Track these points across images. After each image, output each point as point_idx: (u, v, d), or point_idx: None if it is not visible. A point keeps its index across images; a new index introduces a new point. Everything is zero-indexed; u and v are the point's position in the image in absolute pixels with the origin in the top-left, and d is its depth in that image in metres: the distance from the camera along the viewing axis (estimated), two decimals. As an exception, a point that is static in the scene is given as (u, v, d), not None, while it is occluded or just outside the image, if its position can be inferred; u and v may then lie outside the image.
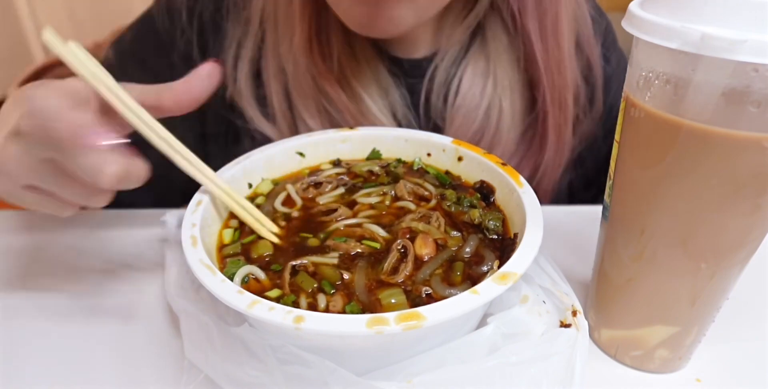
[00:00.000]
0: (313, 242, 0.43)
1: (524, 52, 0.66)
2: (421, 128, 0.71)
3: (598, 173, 0.78)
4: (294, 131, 0.69)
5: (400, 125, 0.69)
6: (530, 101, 0.69)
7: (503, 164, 0.48)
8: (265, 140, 0.70)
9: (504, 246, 0.43)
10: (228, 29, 0.69)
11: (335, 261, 0.42)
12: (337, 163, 0.55)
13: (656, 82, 0.34)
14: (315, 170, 0.54)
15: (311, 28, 0.64)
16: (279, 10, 0.65)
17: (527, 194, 0.44)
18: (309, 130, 0.68)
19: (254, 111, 0.69)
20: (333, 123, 0.69)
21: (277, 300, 0.38)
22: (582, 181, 0.79)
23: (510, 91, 0.68)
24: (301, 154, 0.54)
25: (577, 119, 0.71)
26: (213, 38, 0.70)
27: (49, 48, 0.39)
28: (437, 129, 0.70)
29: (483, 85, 0.68)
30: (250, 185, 0.51)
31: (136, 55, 0.71)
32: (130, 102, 0.40)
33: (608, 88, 0.73)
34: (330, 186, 0.50)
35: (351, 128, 0.56)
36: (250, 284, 0.40)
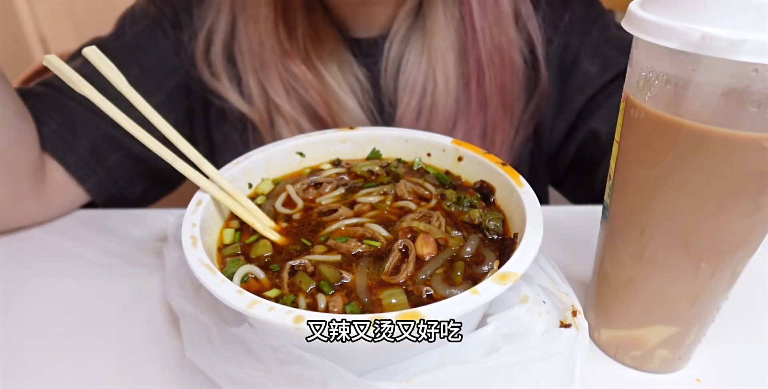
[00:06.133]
0: (318, 249, 0.43)
1: (460, 12, 0.68)
2: (379, 106, 0.74)
3: (557, 151, 0.79)
4: (268, 110, 0.71)
5: (359, 103, 0.72)
6: (464, 65, 0.70)
7: (503, 164, 0.48)
8: (243, 119, 0.73)
9: (504, 246, 0.43)
10: (199, 15, 0.71)
11: (338, 259, 0.42)
12: (337, 163, 0.55)
13: (656, 82, 0.34)
14: (315, 170, 0.54)
15: (277, 8, 0.67)
16: None
17: (527, 194, 0.44)
18: (280, 109, 0.70)
19: (231, 93, 0.72)
20: (300, 102, 0.71)
21: (276, 299, 0.38)
22: (541, 154, 0.80)
23: (442, 60, 0.69)
24: (301, 154, 0.54)
25: (529, 79, 0.72)
26: (187, 22, 0.72)
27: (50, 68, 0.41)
28: (392, 106, 0.73)
29: (419, 61, 0.70)
30: (250, 185, 0.51)
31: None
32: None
33: (550, 59, 0.73)
34: (330, 186, 0.50)
35: (351, 127, 0.56)
36: (249, 284, 0.40)
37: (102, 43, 0.70)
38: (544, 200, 0.87)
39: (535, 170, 0.81)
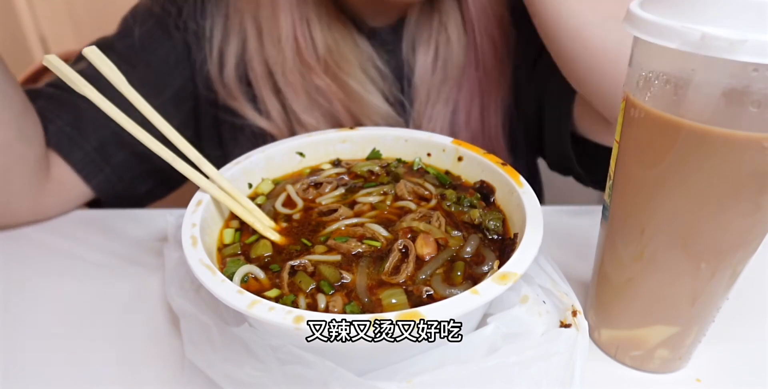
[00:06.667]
0: (319, 249, 0.43)
1: None
2: (400, 82, 0.76)
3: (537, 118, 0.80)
4: (289, 123, 0.73)
5: (384, 97, 0.73)
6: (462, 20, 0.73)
7: (503, 164, 0.48)
8: (263, 132, 0.73)
9: (504, 246, 0.43)
10: (208, 37, 0.72)
11: (338, 259, 0.42)
12: (337, 163, 0.55)
13: (656, 82, 0.34)
14: (315, 170, 0.54)
15: (295, 28, 0.68)
16: (261, 14, 0.69)
17: (527, 194, 0.44)
18: (303, 122, 0.72)
19: (249, 110, 0.73)
20: (323, 113, 0.72)
21: (276, 299, 0.38)
22: (523, 122, 0.82)
23: (453, 16, 0.72)
24: (301, 154, 0.54)
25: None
26: (196, 47, 0.73)
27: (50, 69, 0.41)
28: (410, 68, 0.75)
29: (429, 36, 0.72)
30: (250, 185, 0.51)
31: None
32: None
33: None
34: (330, 186, 0.50)
35: (351, 127, 0.56)
36: (249, 284, 0.40)
37: (108, 43, 0.71)
38: (533, 174, 0.89)
39: (516, 138, 0.83)
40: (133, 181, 0.72)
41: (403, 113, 0.76)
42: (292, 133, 0.73)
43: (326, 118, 0.73)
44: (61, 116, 0.66)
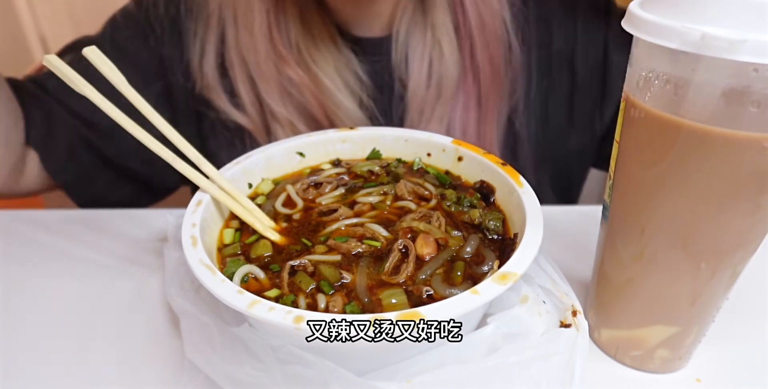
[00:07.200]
0: (319, 249, 0.43)
1: None
2: (383, 105, 0.75)
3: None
4: (263, 117, 0.72)
5: (358, 102, 0.73)
6: (459, 39, 0.72)
7: (503, 164, 0.48)
8: (239, 127, 0.74)
9: (504, 246, 0.43)
10: (190, 27, 0.72)
11: (338, 259, 0.42)
12: (337, 163, 0.55)
13: (656, 82, 0.34)
14: (315, 170, 0.54)
15: (269, 16, 0.68)
16: (237, 3, 0.68)
17: (527, 194, 0.44)
18: (276, 114, 0.71)
19: (224, 103, 0.73)
20: (296, 105, 0.72)
21: (276, 299, 0.38)
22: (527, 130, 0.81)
23: (446, 33, 0.71)
24: (301, 154, 0.54)
25: (510, 49, 0.74)
26: (178, 36, 0.73)
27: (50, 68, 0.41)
28: (403, 84, 0.74)
29: (424, 35, 0.71)
30: (250, 185, 0.51)
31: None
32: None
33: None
34: (330, 186, 0.50)
35: (351, 127, 0.56)
36: (249, 284, 0.40)
37: (95, 43, 0.71)
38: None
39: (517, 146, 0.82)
40: (107, 186, 0.73)
41: (378, 122, 0.75)
42: (267, 127, 0.73)
43: (299, 110, 0.72)
44: (36, 114, 0.67)
